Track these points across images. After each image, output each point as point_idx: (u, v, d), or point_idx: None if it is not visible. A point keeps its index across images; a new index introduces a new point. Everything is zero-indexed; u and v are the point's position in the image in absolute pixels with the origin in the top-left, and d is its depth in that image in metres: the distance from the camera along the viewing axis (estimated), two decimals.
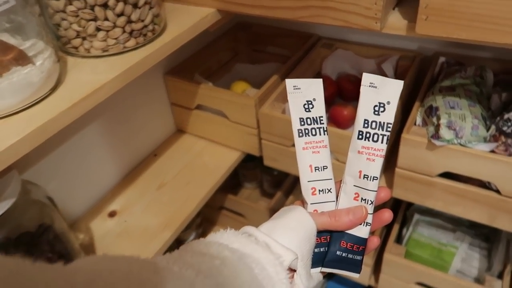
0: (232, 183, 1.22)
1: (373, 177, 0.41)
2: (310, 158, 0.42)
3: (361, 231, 0.42)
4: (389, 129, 0.40)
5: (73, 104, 0.52)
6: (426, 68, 0.91)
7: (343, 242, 0.41)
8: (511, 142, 0.67)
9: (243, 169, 1.20)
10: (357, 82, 1.01)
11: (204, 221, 1.18)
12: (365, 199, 0.41)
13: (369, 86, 0.41)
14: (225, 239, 0.38)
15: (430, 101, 0.75)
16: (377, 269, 0.97)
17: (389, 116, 0.40)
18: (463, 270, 0.92)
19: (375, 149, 0.41)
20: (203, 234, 1.17)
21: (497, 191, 0.70)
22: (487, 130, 0.71)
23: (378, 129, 0.40)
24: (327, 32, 1.06)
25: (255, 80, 1.04)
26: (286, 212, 0.41)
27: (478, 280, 0.90)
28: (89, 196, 0.88)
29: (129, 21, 0.61)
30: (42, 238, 0.62)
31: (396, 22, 0.62)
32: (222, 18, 0.76)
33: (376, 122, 0.41)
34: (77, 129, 0.80)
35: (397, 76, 0.95)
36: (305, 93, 0.42)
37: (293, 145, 0.42)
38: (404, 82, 0.86)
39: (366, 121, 0.41)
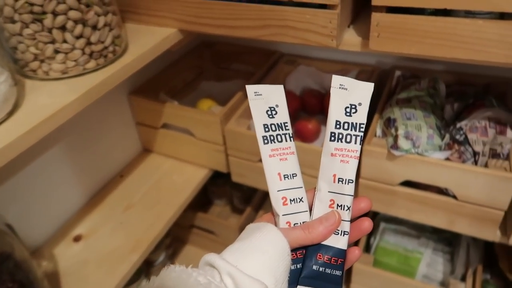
0: (202, 201, 1.22)
1: (348, 180, 0.39)
2: (278, 165, 0.40)
3: (339, 242, 0.38)
4: (362, 129, 0.39)
5: (31, 128, 0.51)
6: (384, 81, 0.95)
7: (319, 255, 0.38)
8: (464, 150, 0.71)
9: (212, 186, 1.20)
10: (320, 96, 1.05)
11: (174, 240, 1.16)
12: (341, 205, 0.39)
13: (339, 88, 0.40)
14: (183, 281, 0.33)
15: (388, 113, 0.78)
16: (347, 279, 0.99)
17: (361, 116, 0.40)
18: (429, 275, 0.95)
19: (348, 150, 0.39)
20: (173, 254, 1.15)
21: (454, 197, 0.73)
22: (442, 139, 0.74)
23: (351, 130, 0.39)
24: (289, 49, 1.09)
25: (220, 97, 1.05)
26: (254, 231, 0.37)
27: (443, 283, 0.93)
28: (53, 221, 0.85)
29: (89, 43, 0.60)
30: (2, 267, 0.60)
31: (351, 39, 0.65)
32: (184, 38, 0.77)
33: (348, 123, 0.39)
34: (38, 153, 0.78)
35: None
36: (266, 100, 0.41)
37: (260, 160, 0.40)
38: None
39: (338, 122, 0.39)
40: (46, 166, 0.80)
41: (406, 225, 1.03)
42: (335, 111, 0.40)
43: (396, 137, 0.72)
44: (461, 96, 0.84)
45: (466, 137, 0.71)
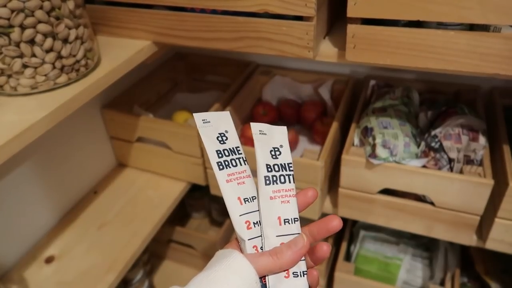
0: (179, 214, 1.19)
1: (294, 218, 0.39)
2: (236, 190, 0.39)
3: (300, 283, 0.38)
4: (291, 168, 0.41)
5: None
6: (359, 90, 0.96)
7: None
8: (439, 157, 0.72)
9: (190, 199, 1.18)
10: (297, 106, 1.05)
11: (152, 256, 1.13)
12: None
13: (260, 133, 0.41)
14: None
15: (365, 122, 0.79)
16: None
17: (286, 157, 0.41)
18: (409, 281, 0.96)
19: (286, 190, 0.40)
20: (151, 271, 1.11)
21: (432, 203, 0.74)
22: (418, 146, 0.76)
23: (282, 170, 0.40)
24: (264, 59, 1.09)
25: (196, 109, 1.02)
26: (221, 260, 0.36)
27: None
28: (23, 242, 0.81)
29: (60, 57, 0.58)
30: None
31: (327, 50, 0.65)
32: (159, 50, 0.75)
33: (277, 164, 0.40)
34: (5, 172, 0.74)
35: (333, 99, 1.00)
36: (215, 126, 0.41)
37: None
38: (340, 105, 0.90)
39: (268, 166, 0.40)
40: (14, 185, 0.76)
41: (385, 231, 1.04)
42: (262, 156, 0.40)
43: (374, 146, 0.73)
44: (433, 104, 0.86)
45: (441, 145, 0.73)
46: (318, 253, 0.39)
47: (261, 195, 0.39)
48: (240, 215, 0.38)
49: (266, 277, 0.37)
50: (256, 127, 0.41)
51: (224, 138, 0.41)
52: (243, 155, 0.41)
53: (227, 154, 0.40)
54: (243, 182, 0.40)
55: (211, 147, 0.40)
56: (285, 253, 0.37)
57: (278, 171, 0.40)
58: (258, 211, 0.40)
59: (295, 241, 0.38)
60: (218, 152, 0.40)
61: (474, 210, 0.71)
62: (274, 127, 0.42)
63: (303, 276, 0.38)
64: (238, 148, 0.41)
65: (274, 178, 0.40)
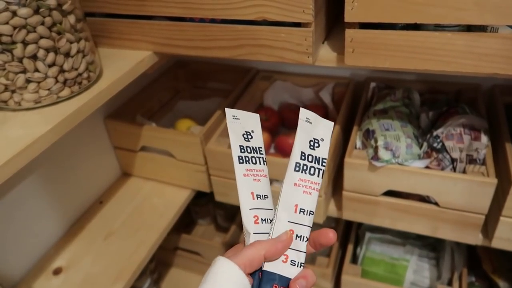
0: (185, 221, 1.20)
1: (310, 211, 0.40)
2: (251, 185, 0.41)
3: (295, 273, 0.38)
4: (324, 163, 0.41)
5: (4, 163, 0.49)
6: (360, 93, 0.97)
7: (275, 286, 0.38)
8: (442, 157, 0.72)
9: (195, 206, 1.18)
10: (298, 110, 1.05)
11: (158, 264, 1.13)
12: (300, 236, 0.39)
13: (306, 121, 0.41)
14: None
15: (366, 124, 0.79)
16: None
17: (323, 151, 0.41)
18: (416, 282, 0.96)
19: (312, 182, 0.40)
20: (158, 279, 1.12)
21: (436, 204, 0.74)
22: (420, 147, 0.76)
23: (314, 163, 0.40)
24: (265, 65, 1.10)
25: (198, 116, 1.04)
26: (208, 270, 0.37)
27: None
28: (30, 254, 0.81)
29: (62, 71, 0.59)
30: None
31: (326, 55, 0.66)
32: (160, 60, 0.76)
33: (312, 155, 0.41)
34: (12, 185, 0.75)
35: (334, 102, 1.00)
36: (243, 124, 0.42)
37: None
38: (341, 108, 0.90)
39: (303, 154, 0.40)
40: (21, 198, 0.77)
41: (390, 233, 1.04)
42: (301, 142, 0.41)
43: (376, 148, 0.73)
44: (435, 104, 0.86)
45: (443, 145, 0.73)
46: (322, 239, 0.39)
47: (287, 179, 0.40)
48: (250, 209, 0.40)
49: (263, 264, 0.38)
50: (304, 114, 0.41)
51: (250, 136, 0.42)
52: (264, 156, 0.43)
53: (249, 151, 0.42)
54: (259, 180, 0.41)
55: (235, 141, 0.41)
56: (267, 242, 0.38)
57: (311, 162, 0.40)
58: (268, 210, 0.41)
59: (280, 234, 0.39)
60: (241, 147, 0.41)
61: (478, 210, 0.71)
62: (321, 119, 0.42)
63: (300, 267, 0.39)
64: (260, 149, 0.42)
65: (305, 167, 0.40)
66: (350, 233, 1.06)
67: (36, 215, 0.81)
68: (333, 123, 0.43)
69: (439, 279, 0.93)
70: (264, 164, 0.42)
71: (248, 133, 0.42)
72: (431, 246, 1.01)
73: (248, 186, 0.40)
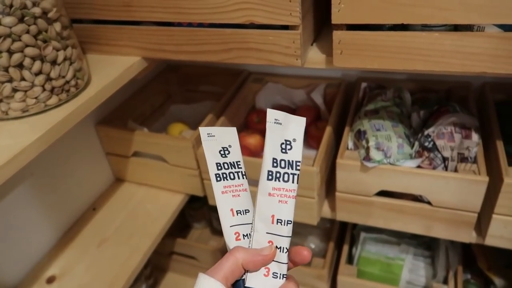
0: (180, 226, 1.19)
1: (287, 221, 0.38)
2: (230, 201, 0.40)
3: (277, 285, 0.38)
4: (298, 167, 0.39)
5: None
6: (351, 93, 0.97)
7: None
8: (434, 156, 0.73)
9: (189, 209, 1.18)
10: (291, 112, 1.05)
11: (154, 269, 1.12)
12: (280, 247, 0.38)
13: (274, 122, 0.39)
14: None
15: (358, 125, 0.79)
16: None
17: (296, 153, 0.39)
18: (412, 281, 0.96)
19: (286, 190, 0.39)
20: (154, 284, 1.11)
21: (429, 203, 0.74)
22: (412, 147, 0.76)
23: (288, 168, 0.39)
24: (256, 67, 1.10)
25: (191, 120, 1.04)
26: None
27: None
28: (23, 263, 0.81)
29: (49, 79, 0.59)
30: None
31: (315, 57, 0.66)
32: (149, 65, 0.76)
33: (284, 160, 0.39)
34: (4, 194, 0.74)
35: (326, 103, 1.00)
36: (220, 140, 0.42)
37: None
38: (333, 109, 0.90)
39: (274, 160, 0.39)
40: (13, 206, 0.76)
41: (385, 233, 1.04)
42: (271, 148, 0.39)
43: (367, 149, 0.73)
44: (425, 103, 0.86)
45: (434, 144, 0.73)
46: (297, 258, 0.39)
47: (260, 188, 0.39)
48: (230, 226, 0.39)
49: (245, 274, 0.38)
50: (272, 115, 0.39)
51: (227, 152, 0.41)
52: (242, 170, 0.42)
53: (226, 167, 0.41)
54: (238, 195, 0.41)
55: (211, 159, 0.41)
56: (246, 253, 0.37)
57: (284, 167, 0.39)
58: (249, 224, 0.40)
59: (263, 249, 0.38)
60: (218, 164, 0.41)
61: (471, 208, 0.71)
62: (292, 116, 0.40)
63: (282, 279, 0.38)
64: (238, 163, 0.42)
65: (278, 175, 0.39)
66: (345, 234, 1.06)
67: (29, 223, 0.80)
68: (305, 118, 0.40)
69: (435, 277, 0.93)
70: (243, 178, 0.41)
71: (225, 149, 0.42)
72: (426, 245, 1.01)
73: (227, 203, 0.40)
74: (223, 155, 0.41)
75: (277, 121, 0.39)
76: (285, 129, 0.39)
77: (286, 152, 0.39)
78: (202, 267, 1.10)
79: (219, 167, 0.41)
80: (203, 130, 0.41)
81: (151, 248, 0.85)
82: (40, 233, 0.84)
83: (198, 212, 1.19)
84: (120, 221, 0.91)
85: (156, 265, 1.14)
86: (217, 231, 1.22)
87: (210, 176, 0.40)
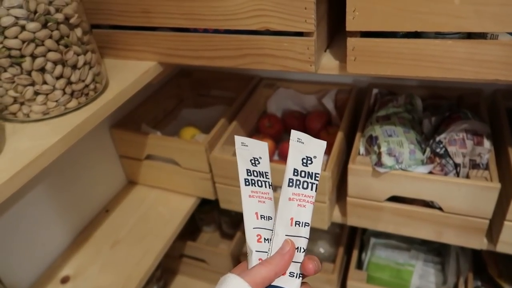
0: (190, 229, 1.20)
1: (305, 223, 0.41)
2: (256, 205, 0.42)
3: (293, 284, 0.40)
4: (317, 178, 0.42)
5: (13, 174, 0.50)
6: (362, 99, 0.97)
7: None
8: (445, 162, 0.73)
9: (200, 213, 1.19)
10: (302, 117, 1.07)
11: (164, 272, 1.13)
12: (298, 248, 0.41)
13: (297, 141, 0.43)
14: None
15: (369, 131, 0.80)
16: None
17: (316, 167, 0.42)
18: (422, 287, 0.96)
19: (305, 195, 0.42)
20: (164, 286, 1.12)
21: (440, 209, 0.75)
22: (423, 153, 0.76)
23: (307, 178, 0.42)
24: (268, 72, 1.11)
25: (202, 124, 1.05)
26: (219, 286, 0.38)
27: None
28: (38, 264, 0.82)
29: (69, 83, 0.60)
30: None
31: (329, 63, 0.67)
32: (164, 70, 0.77)
33: (305, 171, 0.42)
34: (19, 196, 0.76)
35: (337, 108, 1.01)
36: (251, 151, 0.44)
37: None
38: (344, 115, 0.90)
39: (295, 170, 0.42)
40: (28, 208, 0.78)
41: (395, 238, 1.04)
42: (293, 160, 0.42)
43: (379, 154, 0.74)
44: (437, 110, 0.87)
45: (446, 150, 0.73)
46: (302, 270, 0.41)
47: (282, 195, 0.42)
48: (254, 228, 0.42)
49: None
50: (295, 135, 0.43)
51: (257, 162, 0.44)
52: (270, 180, 0.44)
53: (255, 174, 0.43)
54: (264, 202, 0.43)
55: (242, 165, 0.43)
56: (275, 259, 0.40)
57: (304, 177, 0.42)
58: (270, 230, 0.42)
59: (282, 247, 0.40)
60: (248, 171, 0.43)
61: (482, 214, 0.72)
62: (313, 139, 0.43)
63: (298, 278, 0.40)
64: (267, 174, 0.44)
65: (298, 182, 0.42)
66: (355, 239, 1.06)
67: (43, 224, 0.82)
68: (325, 142, 0.44)
69: (445, 284, 0.93)
70: (269, 187, 0.44)
71: (256, 159, 0.44)
72: (436, 251, 1.01)
73: (252, 207, 0.42)
74: (253, 164, 0.43)
75: (300, 140, 0.43)
76: (306, 148, 0.43)
77: (306, 166, 0.42)
78: (212, 270, 1.11)
79: (249, 173, 0.43)
80: (238, 139, 0.44)
81: (163, 250, 0.86)
82: (55, 234, 0.85)
83: (208, 215, 1.20)
84: (133, 223, 0.92)
85: (166, 267, 1.15)
86: (227, 235, 1.22)
87: (240, 180, 0.42)
